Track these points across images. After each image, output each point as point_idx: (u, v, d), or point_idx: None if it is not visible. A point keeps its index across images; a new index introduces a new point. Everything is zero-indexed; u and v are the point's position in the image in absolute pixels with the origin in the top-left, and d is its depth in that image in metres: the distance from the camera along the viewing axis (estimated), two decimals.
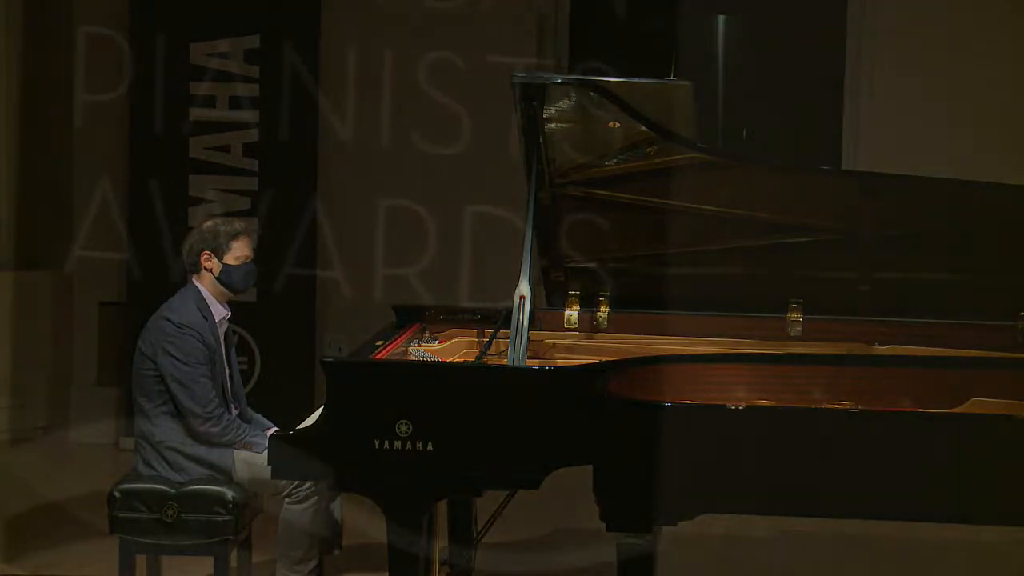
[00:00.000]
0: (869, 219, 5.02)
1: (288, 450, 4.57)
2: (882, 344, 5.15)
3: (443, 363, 4.98)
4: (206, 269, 5.23)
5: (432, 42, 7.66)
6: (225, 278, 5.22)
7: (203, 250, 5.23)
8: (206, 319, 5.19)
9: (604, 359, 4.86)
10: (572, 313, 5.31)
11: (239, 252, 5.24)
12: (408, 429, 4.45)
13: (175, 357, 5.11)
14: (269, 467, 4.64)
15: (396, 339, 5.13)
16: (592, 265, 5.28)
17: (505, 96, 4.84)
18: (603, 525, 4.44)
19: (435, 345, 5.22)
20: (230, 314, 5.32)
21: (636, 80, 4.99)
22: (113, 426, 7.99)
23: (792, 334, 5.17)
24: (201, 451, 5.14)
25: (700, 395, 4.67)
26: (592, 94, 4.78)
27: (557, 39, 8.09)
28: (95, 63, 7.78)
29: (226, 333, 5.32)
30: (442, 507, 5.24)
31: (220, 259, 5.22)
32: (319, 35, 7.79)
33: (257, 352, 7.76)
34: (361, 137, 7.82)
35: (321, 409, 4.65)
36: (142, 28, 7.74)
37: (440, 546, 5.27)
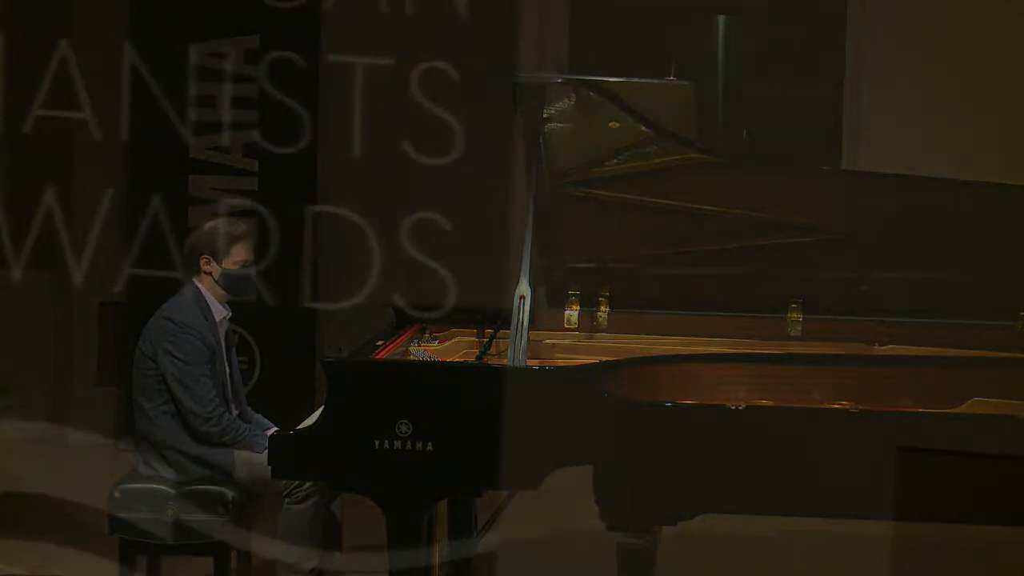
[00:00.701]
0: (869, 219, 5.02)
1: (288, 450, 4.57)
2: (882, 344, 5.16)
3: (443, 363, 4.98)
4: (205, 272, 5.22)
5: (432, 45, 7.64)
6: (223, 283, 5.21)
7: (202, 253, 5.22)
8: (206, 319, 5.19)
9: (604, 359, 4.86)
10: (572, 313, 5.31)
11: (239, 256, 5.22)
12: (408, 429, 4.45)
13: (176, 357, 5.11)
14: (269, 467, 4.64)
15: (396, 339, 5.13)
16: (592, 265, 5.28)
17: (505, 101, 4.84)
18: (603, 525, 4.44)
19: (435, 345, 5.22)
20: (230, 314, 5.32)
21: (636, 80, 4.98)
22: (113, 426, 7.98)
23: (792, 334, 5.17)
24: (201, 451, 5.14)
25: (700, 395, 4.67)
26: (592, 94, 4.78)
27: (558, 41, 8.07)
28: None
29: (226, 333, 5.32)
30: (442, 507, 5.24)
31: (219, 263, 5.21)
32: (319, 35, 7.78)
33: (257, 352, 7.75)
34: (362, 139, 7.79)
35: (321, 409, 4.65)
36: (142, 28, 7.74)
37: (440, 546, 5.27)
